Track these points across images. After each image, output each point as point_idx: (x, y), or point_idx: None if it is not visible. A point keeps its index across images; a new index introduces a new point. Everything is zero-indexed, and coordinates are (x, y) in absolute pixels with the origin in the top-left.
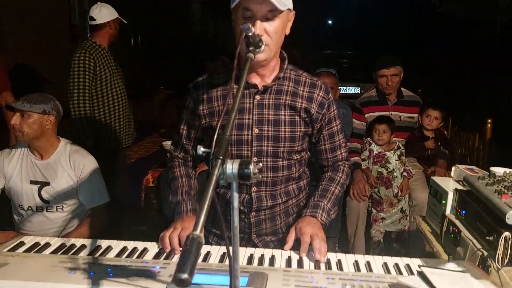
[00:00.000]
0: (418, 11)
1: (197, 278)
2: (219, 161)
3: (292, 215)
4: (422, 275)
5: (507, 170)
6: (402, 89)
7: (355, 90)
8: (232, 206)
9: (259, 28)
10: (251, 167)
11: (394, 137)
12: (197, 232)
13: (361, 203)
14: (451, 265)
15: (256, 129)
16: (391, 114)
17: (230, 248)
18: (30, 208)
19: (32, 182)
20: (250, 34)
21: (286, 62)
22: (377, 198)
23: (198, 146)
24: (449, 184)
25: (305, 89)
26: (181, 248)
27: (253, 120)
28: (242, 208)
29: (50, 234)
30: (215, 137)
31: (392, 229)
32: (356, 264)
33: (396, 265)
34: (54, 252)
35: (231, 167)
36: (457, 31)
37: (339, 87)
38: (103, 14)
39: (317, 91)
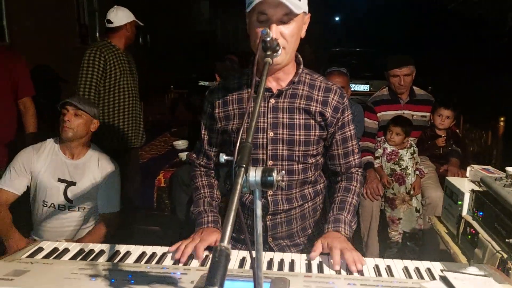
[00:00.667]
0: (428, 9)
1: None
2: (243, 169)
3: (309, 219)
4: (445, 280)
5: None
6: (414, 87)
7: (364, 87)
8: (255, 214)
9: (275, 31)
10: (274, 174)
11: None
12: (225, 243)
13: (375, 202)
14: (473, 269)
15: (271, 133)
16: (403, 113)
17: (253, 253)
18: (53, 205)
19: (60, 180)
20: (268, 39)
21: (302, 66)
22: (390, 196)
23: (221, 154)
24: (464, 185)
25: (320, 93)
26: (191, 258)
27: (268, 123)
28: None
29: (66, 233)
30: (237, 144)
31: (407, 229)
32: (377, 268)
33: (417, 269)
34: (73, 258)
35: (254, 174)
36: (467, 28)
37: (356, 84)
38: (120, 17)
39: (332, 95)
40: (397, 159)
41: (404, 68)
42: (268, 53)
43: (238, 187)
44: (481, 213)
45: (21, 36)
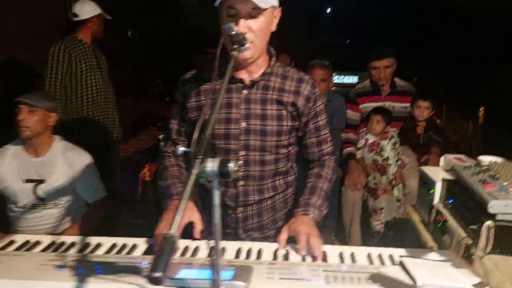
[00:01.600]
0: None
1: (184, 273)
2: (199, 161)
3: (279, 211)
4: (402, 265)
5: (494, 159)
6: (396, 79)
7: (352, 79)
8: (213, 203)
9: (242, 26)
10: (231, 165)
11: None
12: (172, 231)
13: (356, 193)
14: (433, 255)
15: (244, 123)
16: (385, 104)
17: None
18: (25, 206)
19: (27, 181)
20: (233, 33)
21: (274, 58)
22: (372, 187)
23: (177, 146)
24: (438, 174)
25: (292, 84)
26: None
27: (241, 114)
28: (229, 203)
29: (44, 230)
30: (194, 136)
31: (389, 218)
32: (341, 255)
33: (380, 256)
34: (44, 250)
35: (212, 165)
36: (458, 19)
37: (338, 76)
38: (85, 10)
39: (304, 85)
40: (378, 150)
41: (383, 60)
42: (235, 46)
43: (193, 177)
44: (451, 201)
45: (5, 29)
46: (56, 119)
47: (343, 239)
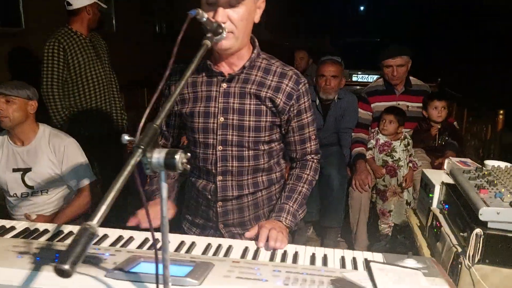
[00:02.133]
0: None
1: (140, 267)
2: (140, 150)
3: (263, 208)
4: (369, 270)
5: (500, 164)
6: (411, 78)
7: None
8: (161, 196)
9: (221, 15)
10: (178, 156)
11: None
12: (93, 222)
13: (364, 194)
14: (410, 261)
15: (222, 118)
16: (398, 104)
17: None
18: (15, 195)
19: (14, 170)
20: (203, 19)
21: (256, 50)
22: (381, 188)
23: (123, 135)
24: (438, 177)
25: (273, 79)
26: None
27: (219, 108)
28: (209, 197)
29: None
30: (141, 124)
31: (397, 221)
32: (313, 257)
33: (354, 260)
34: (16, 236)
35: (158, 156)
36: (483, 21)
37: (369, 75)
38: None
39: (286, 81)
40: (389, 151)
41: (397, 58)
42: (209, 35)
43: (129, 168)
44: (447, 206)
45: (36, 21)
46: (37, 106)
47: (349, 240)
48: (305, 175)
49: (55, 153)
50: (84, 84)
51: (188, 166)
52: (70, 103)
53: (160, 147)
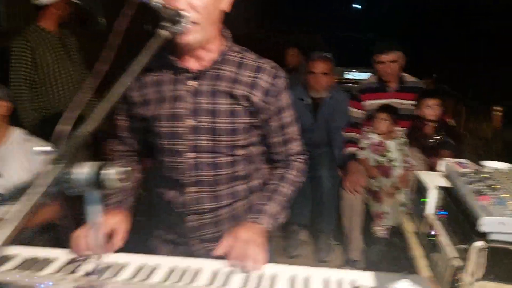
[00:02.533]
0: None
1: None
2: (58, 165)
3: (242, 220)
4: None
5: (501, 165)
6: (405, 74)
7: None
8: (91, 220)
9: (182, 2)
10: (108, 171)
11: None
12: None
13: (356, 196)
14: (403, 284)
15: (192, 120)
16: (392, 101)
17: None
18: None
19: None
20: (158, 6)
21: (227, 43)
22: (374, 190)
23: (33, 148)
24: (434, 180)
25: (248, 74)
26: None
27: (188, 109)
28: (182, 210)
29: None
30: (56, 128)
31: (393, 224)
32: (292, 280)
33: (339, 281)
34: None
35: (81, 171)
36: (481, 17)
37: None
38: None
39: (262, 76)
40: (383, 151)
41: (390, 54)
42: (165, 24)
43: (44, 187)
44: (444, 213)
45: (17, 20)
46: (7, 108)
47: (342, 243)
48: (288, 175)
49: (28, 158)
50: (53, 84)
51: (126, 181)
52: (39, 104)
53: (88, 161)
